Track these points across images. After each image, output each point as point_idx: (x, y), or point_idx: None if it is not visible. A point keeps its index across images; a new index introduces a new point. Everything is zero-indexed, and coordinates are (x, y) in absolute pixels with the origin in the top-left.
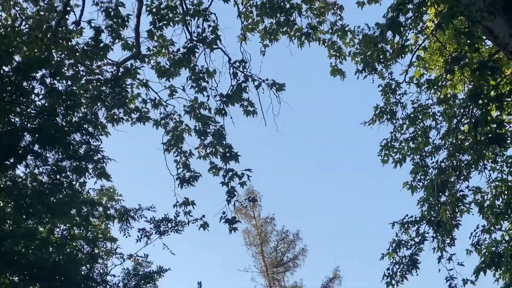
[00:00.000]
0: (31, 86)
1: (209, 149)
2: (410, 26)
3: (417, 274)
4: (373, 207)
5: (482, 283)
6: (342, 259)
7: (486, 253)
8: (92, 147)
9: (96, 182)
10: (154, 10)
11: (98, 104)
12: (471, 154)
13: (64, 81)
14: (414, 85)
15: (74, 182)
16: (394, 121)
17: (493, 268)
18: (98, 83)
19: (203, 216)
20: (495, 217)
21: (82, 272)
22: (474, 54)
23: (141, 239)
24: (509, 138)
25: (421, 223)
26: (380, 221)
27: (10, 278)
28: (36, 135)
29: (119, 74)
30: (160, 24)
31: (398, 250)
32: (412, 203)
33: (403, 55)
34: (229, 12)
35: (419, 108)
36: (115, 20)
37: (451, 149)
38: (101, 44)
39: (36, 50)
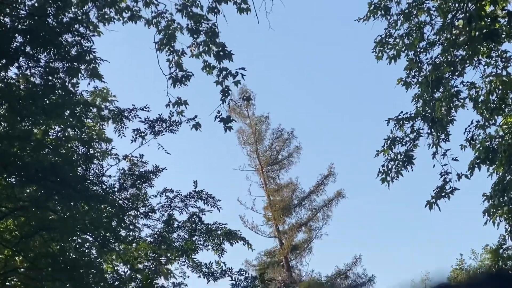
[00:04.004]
0: None
1: (202, 47)
2: None
3: (412, 170)
4: (368, 105)
5: (477, 178)
6: (337, 156)
7: (480, 148)
8: (84, 48)
9: (89, 83)
10: None
11: (89, 3)
12: (466, 50)
13: None
14: None
15: (66, 83)
16: (389, 17)
17: (487, 163)
18: None
19: (196, 116)
20: (490, 112)
21: (78, 173)
22: None
23: (136, 139)
24: (503, 33)
25: (416, 120)
26: (374, 119)
27: (7, 179)
28: (28, 37)
29: None
30: None
31: (393, 146)
32: (406, 99)
33: None
34: None
35: (414, 3)
36: None
37: (445, 44)
38: None
39: None
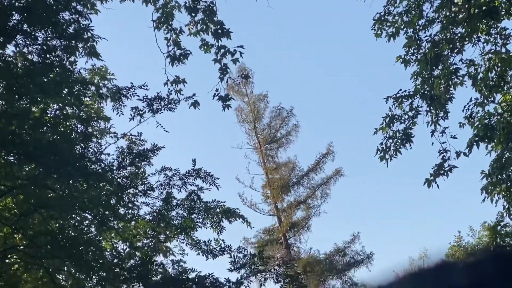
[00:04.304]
0: None
1: (200, 26)
2: None
3: (410, 148)
4: (367, 83)
5: (475, 155)
6: (335, 135)
7: (479, 126)
8: (82, 26)
9: (87, 62)
10: None
11: None
12: (465, 27)
13: None
14: None
15: (64, 62)
16: None
17: (486, 140)
18: None
19: (194, 94)
20: (488, 89)
21: (77, 151)
22: None
23: (134, 117)
24: (502, 10)
25: (415, 97)
26: (373, 96)
27: (5, 157)
28: (25, 14)
29: None
30: None
31: (391, 124)
32: (405, 77)
33: None
34: None
35: None
36: None
37: (444, 22)
38: None
39: None
